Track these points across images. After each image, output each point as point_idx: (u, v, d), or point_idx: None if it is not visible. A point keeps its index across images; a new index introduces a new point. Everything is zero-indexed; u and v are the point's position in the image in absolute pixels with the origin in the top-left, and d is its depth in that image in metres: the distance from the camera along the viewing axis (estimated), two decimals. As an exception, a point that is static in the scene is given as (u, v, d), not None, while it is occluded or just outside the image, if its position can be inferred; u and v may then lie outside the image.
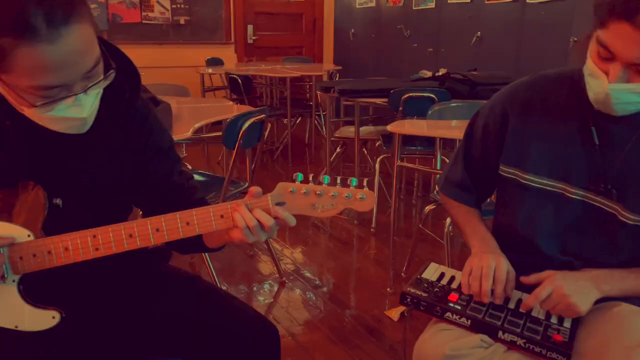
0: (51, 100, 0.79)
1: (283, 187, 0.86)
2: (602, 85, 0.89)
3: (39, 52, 0.73)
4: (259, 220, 0.84)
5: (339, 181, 0.86)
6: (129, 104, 0.95)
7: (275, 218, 0.85)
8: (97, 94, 0.84)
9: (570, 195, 1.02)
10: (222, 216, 0.86)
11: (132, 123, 0.97)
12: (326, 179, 0.86)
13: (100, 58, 0.83)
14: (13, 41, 0.72)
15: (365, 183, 0.87)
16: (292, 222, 0.86)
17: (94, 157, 0.95)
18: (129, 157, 0.97)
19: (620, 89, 0.88)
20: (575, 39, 3.37)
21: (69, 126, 0.84)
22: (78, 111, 0.82)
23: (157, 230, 0.86)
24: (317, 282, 2.45)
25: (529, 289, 0.99)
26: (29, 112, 0.81)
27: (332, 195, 0.85)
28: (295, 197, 0.85)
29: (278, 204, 0.86)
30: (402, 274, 2.48)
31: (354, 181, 0.86)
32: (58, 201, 0.91)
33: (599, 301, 0.97)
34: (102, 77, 0.83)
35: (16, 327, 0.89)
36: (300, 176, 0.86)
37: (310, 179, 0.86)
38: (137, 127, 0.98)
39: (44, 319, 0.89)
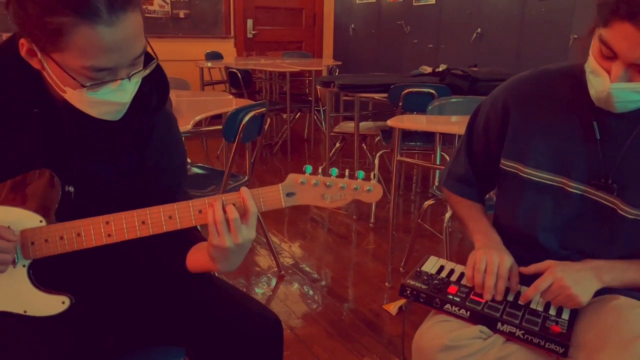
0: (99, 82, 0.81)
1: (294, 178, 0.87)
2: (604, 84, 0.89)
3: (96, 33, 0.75)
4: (227, 216, 0.84)
5: (347, 174, 0.88)
6: (154, 111, 0.97)
7: (244, 216, 0.85)
8: (137, 82, 0.86)
9: (570, 190, 1.03)
10: (200, 211, 0.86)
11: (153, 131, 0.98)
12: (334, 171, 0.88)
13: (145, 48, 0.85)
14: (73, 20, 0.74)
15: (372, 175, 0.89)
16: (253, 207, 0.85)
17: (110, 154, 0.96)
18: (144, 161, 0.98)
19: (622, 88, 0.88)
20: (576, 36, 3.37)
21: (106, 111, 0.86)
22: (121, 96, 0.84)
23: (170, 217, 0.87)
24: (316, 276, 2.45)
25: (529, 282, 1.00)
26: (71, 94, 0.83)
27: (341, 186, 0.87)
28: (305, 187, 0.87)
29: (289, 194, 0.87)
30: (401, 268, 2.49)
31: (360, 174, 0.88)
32: (70, 188, 0.92)
33: (598, 293, 0.98)
34: (142, 66, 0.86)
35: (25, 312, 0.90)
36: (309, 168, 0.88)
37: (320, 171, 0.88)
38: (157, 136, 0.99)
39: (54, 304, 0.89)
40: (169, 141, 1.01)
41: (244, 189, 0.86)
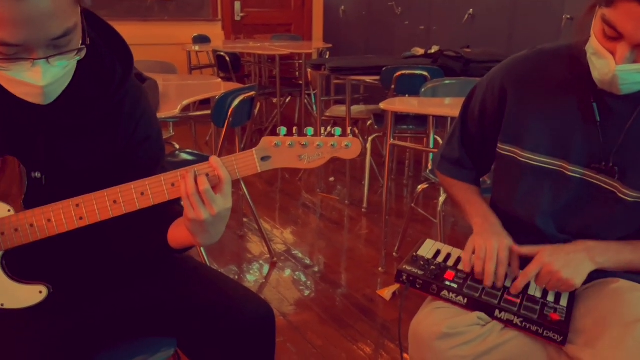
0: (8, 58, 0.76)
1: (267, 141, 0.84)
2: (608, 66, 0.86)
3: (1, 4, 0.70)
4: (198, 187, 0.81)
5: (323, 131, 0.85)
6: (120, 85, 0.92)
7: (214, 188, 0.81)
8: (65, 67, 0.80)
9: (569, 174, 1.01)
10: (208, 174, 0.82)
11: (122, 106, 0.94)
12: (310, 131, 0.84)
13: (75, 30, 0.79)
14: None
15: (349, 131, 0.86)
16: (225, 175, 0.82)
17: (79, 135, 0.91)
18: (116, 140, 0.94)
19: (628, 69, 0.85)
20: (569, 16, 3.34)
21: (25, 92, 0.80)
22: (34, 77, 0.78)
23: (142, 194, 0.83)
24: (308, 262, 2.44)
25: (527, 265, 0.98)
26: None
27: (318, 145, 0.84)
28: (280, 150, 0.84)
29: (263, 158, 0.84)
30: (394, 253, 2.48)
31: (337, 131, 0.85)
32: (37, 174, 0.88)
33: (596, 277, 0.97)
34: (73, 50, 0.80)
35: (2, 305, 0.87)
36: (283, 130, 0.85)
37: (295, 131, 0.85)
38: (127, 111, 0.94)
39: (31, 295, 0.87)
40: (141, 114, 0.96)
41: (213, 158, 0.82)
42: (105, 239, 0.98)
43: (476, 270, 1.00)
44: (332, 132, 0.85)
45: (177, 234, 0.93)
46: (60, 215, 0.84)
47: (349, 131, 0.85)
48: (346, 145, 0.84)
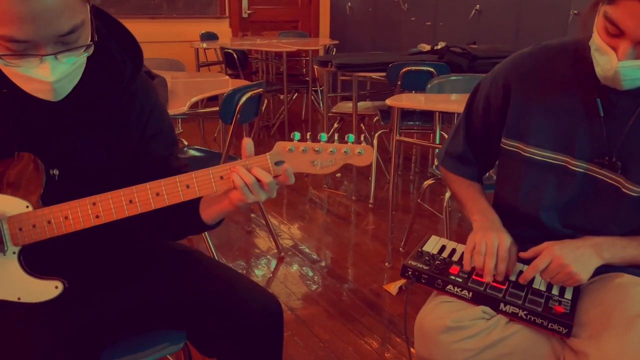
0: (17, 54, 0.77)
1: (281, 146, 0.86)
2: (610, 62, 0.87)
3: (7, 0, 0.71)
4: (257, 179, 0.84)
5: (336, 138, 0.86)
6: (130, 81, 0.94)
7: (275, 177, 0.85)
8: (74, 63, 0.82)
9: (573, 168, 1.01)
10: (221, 177, 0.85)
11: (133, 101, 0.96)
12: (323, 136, 0.86)
13: (82, 27, 0.80)
14: None
15: (362, 138, 0.87)
16: (292, 178, 0.85)
17: (91, 132, 0.93)
18: (128, 135, 0.96)
19: (630, 66, 0.86)
20: (576, 11, 3.32)
21: (36, 88, 0.82)
22: (43, 74, 0.79)
23: (157, 194, 0.85)
24: (315, 257, 2.45)
25: (530, 261, 0.99)
26: (0, 65, 0.80)
27: (331, 151, 0.85)
28: (294, 155, 0.85)
29: (277, 163, 0.86)
30: (401, 248, 2.49)
31: (350, 137, 0.86)
32: (55, 172, 0.90)
33: (600, 271, 0.98)
34: (81, 47, 0.81)
35: (19, 299, 0.89)
36: (297, 135, 0.86)
37: (308, 137, 0.86)
38: (138, 106, 0.96)
39: (47, 290, 0.89)
40: (151, 109, 0.98)
41: (234, 164, 0.85)
42: (120, 235, 1.00)
43: (477, 264, 1.01)
44: (346, 138, 0.85)
45: (212, 210, 0.94)
46: (77, 213, 0.86)
47: (358, 139, 0.87)
48: (359, 152, 0.85)
